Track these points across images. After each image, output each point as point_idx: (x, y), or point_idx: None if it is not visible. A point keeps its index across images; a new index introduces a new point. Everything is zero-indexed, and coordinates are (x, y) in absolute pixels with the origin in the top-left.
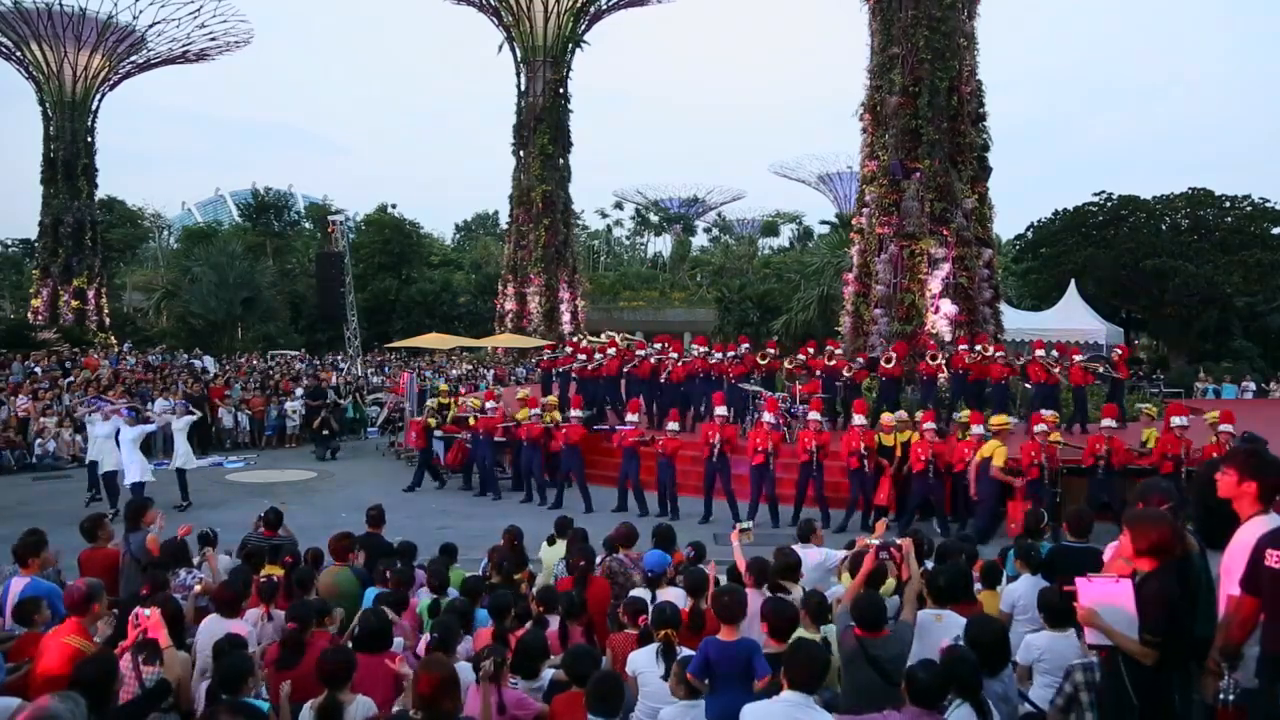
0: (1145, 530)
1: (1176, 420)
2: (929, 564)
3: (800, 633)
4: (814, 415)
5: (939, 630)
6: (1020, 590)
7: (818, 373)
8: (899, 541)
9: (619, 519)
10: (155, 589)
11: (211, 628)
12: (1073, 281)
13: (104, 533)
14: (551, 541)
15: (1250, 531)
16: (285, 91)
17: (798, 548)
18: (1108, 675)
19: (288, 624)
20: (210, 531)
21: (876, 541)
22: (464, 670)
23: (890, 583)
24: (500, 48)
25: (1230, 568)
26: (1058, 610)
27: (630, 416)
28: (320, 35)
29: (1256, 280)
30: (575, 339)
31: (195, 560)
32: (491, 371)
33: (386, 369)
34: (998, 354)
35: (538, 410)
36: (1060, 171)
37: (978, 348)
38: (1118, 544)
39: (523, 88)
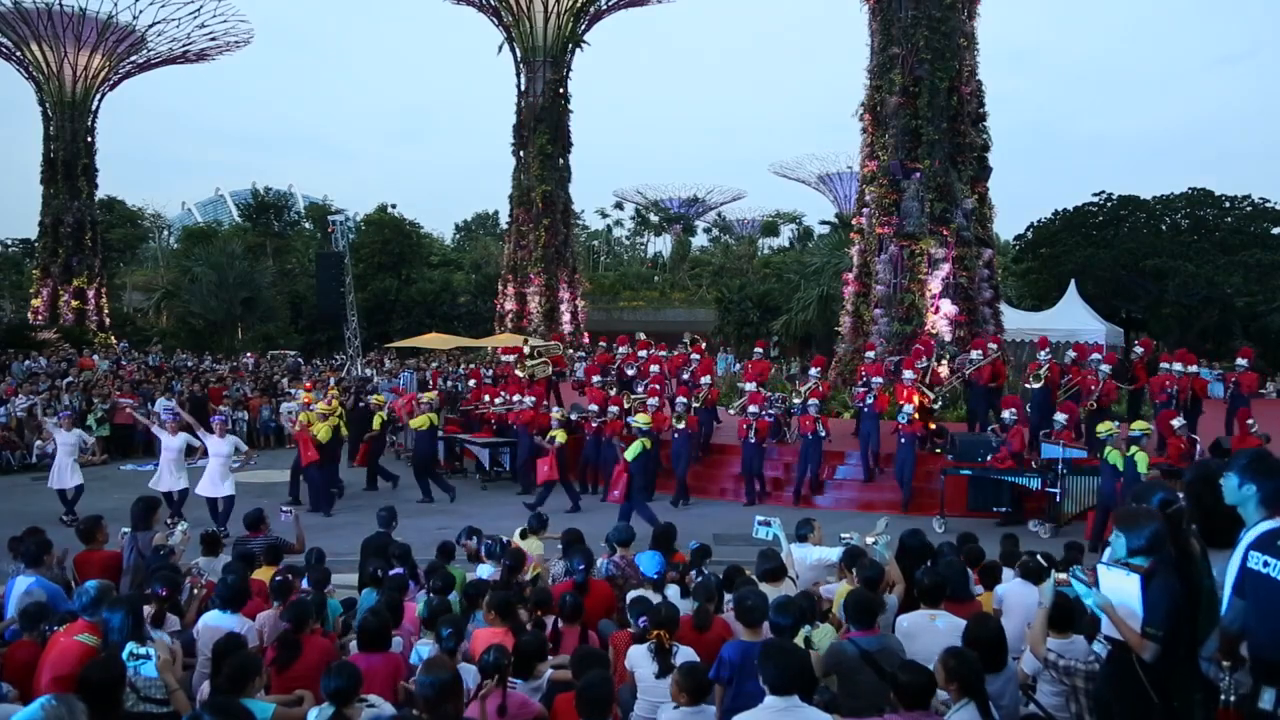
0: (1136, 529)
1: None
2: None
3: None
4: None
5: (935, 631)
6: (1015, 591)
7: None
8: (874, 539)
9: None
10: (171, 590)
11: (213, 627)
12: (1073, 281)
13: (101, 534)
14: (524, 536)
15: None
16: (285, 91)
17: (795, 546)
18: (1112, 671)
19: (283, 623)
20: (214, 532)
21: (872, 540)
22: (465, 671)
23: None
24: (500, 48)
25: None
26: (1062, 614)
27: (591, 406)
28: (320, 35)
29: (1256, 280)
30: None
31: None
32: (492, 371)
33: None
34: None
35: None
36: (1060, 171)
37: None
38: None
39: (523, 88)
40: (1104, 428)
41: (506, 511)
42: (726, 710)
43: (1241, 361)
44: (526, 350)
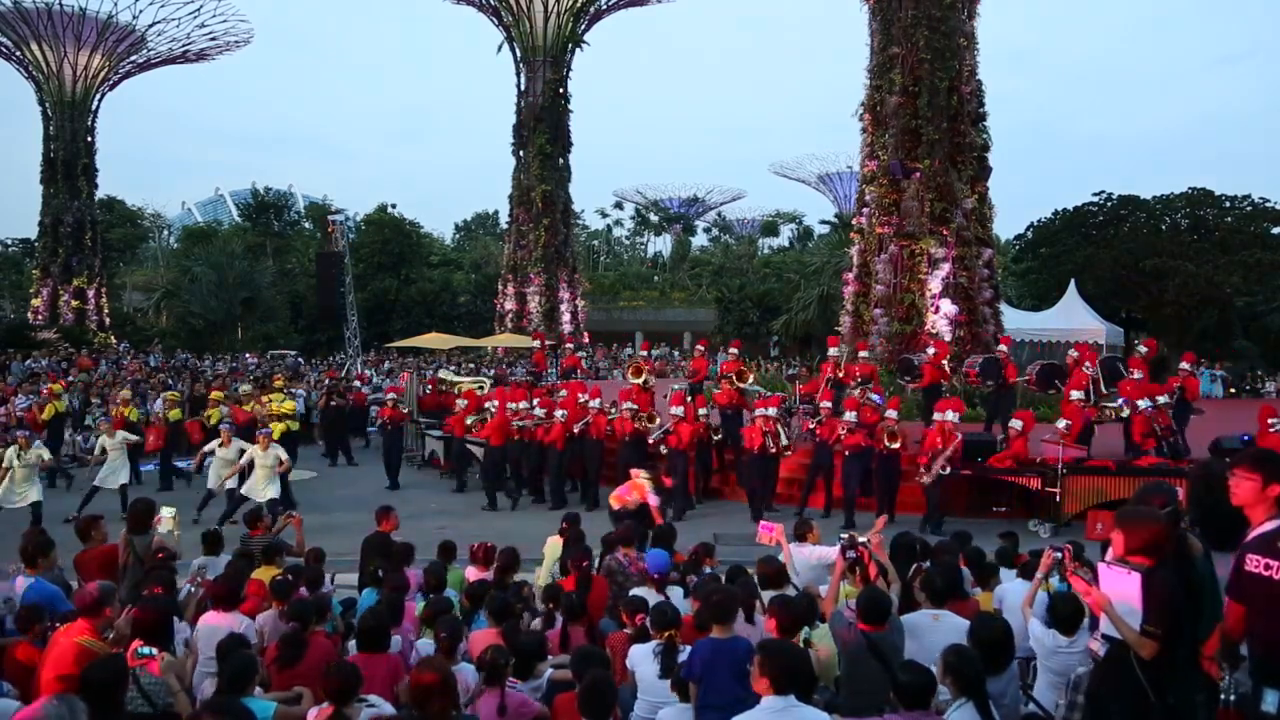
0: (1137, 529)
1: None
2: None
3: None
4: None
5: (937, 630)
6: (1015, 591)
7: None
8: (868, 539)
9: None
10: (165, 589)
11: (212, 627)
12: (1073, 281)
13: (98, 533)
14: (563, 534)
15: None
16: (285, 91)
17: (793, 546)
18: (1110, 669)
19: (287, 622)
20: (214, 531)
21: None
22: (464, 671)
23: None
24: (500, 48)
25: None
26: (1065, 616)
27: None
28: (320, 35)
29: (1256, 280)
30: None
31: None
32: (492, 372)
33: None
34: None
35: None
36: (1060, 171)
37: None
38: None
39: (523, 88)
40: None
41: (510, 512)
42: (700, 707)
43: (1185, 365)
44: (441, 375)
